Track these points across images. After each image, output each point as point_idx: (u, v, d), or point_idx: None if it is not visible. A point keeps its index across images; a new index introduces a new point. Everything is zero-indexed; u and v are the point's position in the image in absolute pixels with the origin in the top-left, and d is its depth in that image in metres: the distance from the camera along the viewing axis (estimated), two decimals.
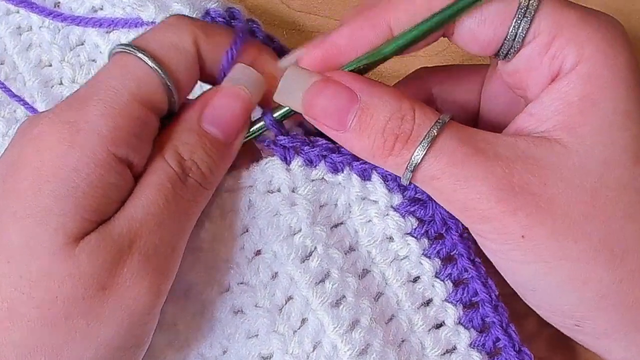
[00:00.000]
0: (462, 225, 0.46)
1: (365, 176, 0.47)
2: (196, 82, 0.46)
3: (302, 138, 0.46)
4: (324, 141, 0.46)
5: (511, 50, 0.43)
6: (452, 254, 0.47)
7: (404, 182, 0.43)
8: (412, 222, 0.47)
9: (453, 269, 0.47)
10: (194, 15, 0.51)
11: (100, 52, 0.55)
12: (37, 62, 0.56)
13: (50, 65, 0.56)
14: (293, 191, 0.46)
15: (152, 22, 0.52)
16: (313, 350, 0.45)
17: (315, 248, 0.46)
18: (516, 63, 0.44)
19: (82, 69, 0.55)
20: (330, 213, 0.47)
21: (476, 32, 0.43)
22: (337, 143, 0.45)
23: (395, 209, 0.47)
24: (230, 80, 0.46)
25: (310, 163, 0.47)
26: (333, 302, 0.46)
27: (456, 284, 0.47)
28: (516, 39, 0.42)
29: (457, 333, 0.47)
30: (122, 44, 0.43)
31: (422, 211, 0.47)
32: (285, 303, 0.46)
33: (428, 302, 0.47)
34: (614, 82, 0.41)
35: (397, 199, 0.47)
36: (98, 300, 0.39)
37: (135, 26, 0.52)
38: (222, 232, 0.47)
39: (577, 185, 0.40)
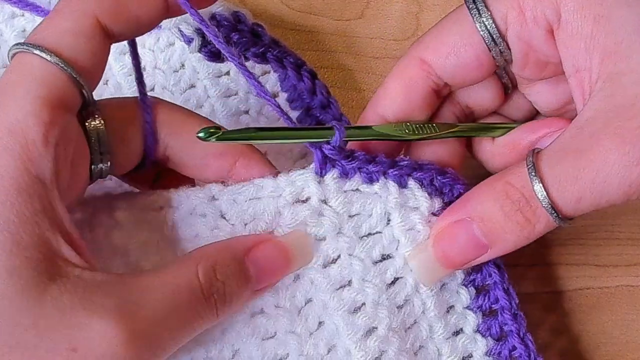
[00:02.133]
0: None
1: (402, 183, 0.46)
2: (106, 61, 0.43)
3: (345, 152, 0.46)
4: (363, 154, 0.46)
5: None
6: None
7: (564, 223, 0.44)
8: None
9: (477, 276, 0.47)
10: None
11: None
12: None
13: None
14: (323, 202, 0.46)
15: (158, 27, 0.51)
16: (327, 353, 0.46)
17: (339, 256, 0.46)
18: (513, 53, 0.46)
19: None
20: (361, 223, 0.47)
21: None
22: (374, 155, 0.47)
23: (435, 215, 0.47)
24: (288, 240, 0.45)
25: (345, 175, 0.46)
26: (351, 309, 0.46)
27: (478, 290, 0.48)
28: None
29: (475, 341, 0.47)
30: (17, 43, 0.40)
31: None
32: (305, 305, 0.46)
33: (449, 309, 0.47)
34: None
35: (437, 202, 0.47)
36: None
37: None
38: None
39: None
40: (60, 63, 0.39)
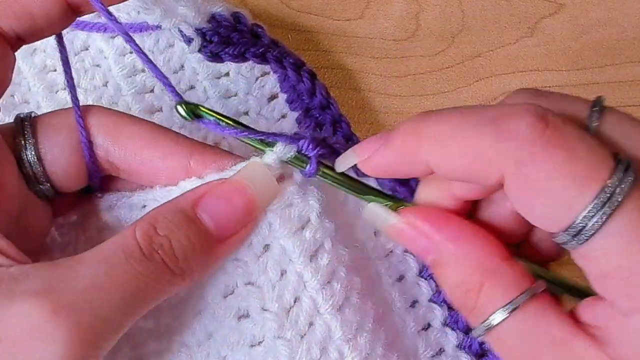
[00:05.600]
0: None
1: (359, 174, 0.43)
2: (14, 65, 0.41)
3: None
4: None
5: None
6: None
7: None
8: None
9: None
10: (198, 20, 0.51)
11: (105, 57, 0.54)
12: (42, 67, 0.56)
13: (55, 70, 0.55)
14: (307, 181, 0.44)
15: (157, 26, 0.51)
16: (319, 358, 0.43)
17: (323, 243, 0.44)
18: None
19: (87, 73, 0.55)
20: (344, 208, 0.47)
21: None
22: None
23: None
24: (240, 176, 0.41)
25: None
26: (339, 304, 0.43)
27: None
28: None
29: (445, 334, 0.47)
30: None
31: None
32: (294, 304, 0.43)
33: (414, 303, 0.48)
34: None
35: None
36: None
37: (140, 31, 0.51)
38: None
39: None
40: None
